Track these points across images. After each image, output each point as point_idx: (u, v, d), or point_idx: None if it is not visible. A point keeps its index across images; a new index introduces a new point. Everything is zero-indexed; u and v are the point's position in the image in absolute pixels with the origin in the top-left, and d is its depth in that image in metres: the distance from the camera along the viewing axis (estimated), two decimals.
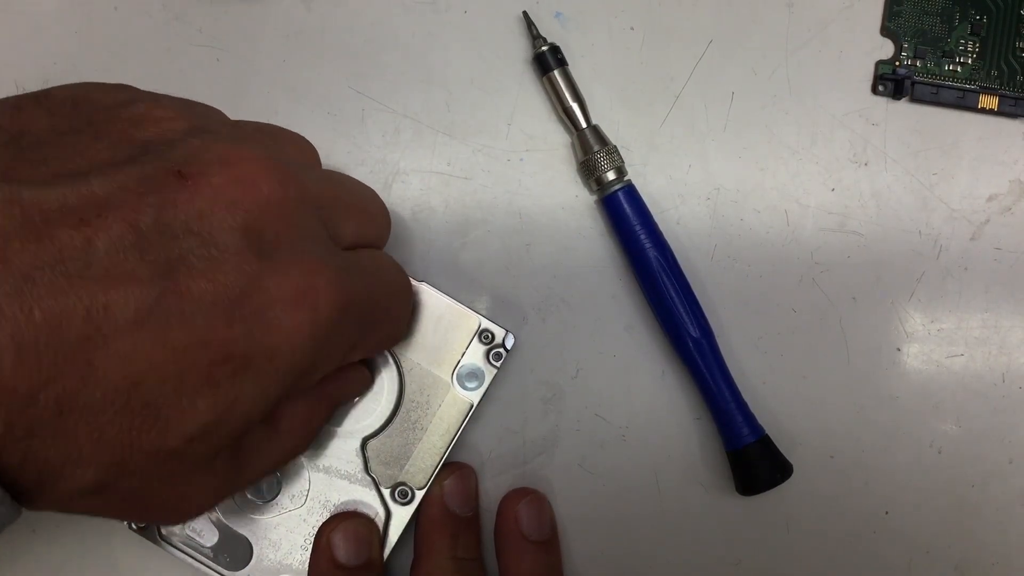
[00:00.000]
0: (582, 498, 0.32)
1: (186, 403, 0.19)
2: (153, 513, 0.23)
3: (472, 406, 0.30)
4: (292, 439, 0.24)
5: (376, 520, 0.29)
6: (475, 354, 0.30)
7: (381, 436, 0.29)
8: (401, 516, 0.29)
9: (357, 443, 0.29)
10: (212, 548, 0.29)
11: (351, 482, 0.29)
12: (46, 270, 0.17)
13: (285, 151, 0.24)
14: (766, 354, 0.33)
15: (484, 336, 0.30)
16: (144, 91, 0.23)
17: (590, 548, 0.33)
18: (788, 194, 0.34)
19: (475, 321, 0.30)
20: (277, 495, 0.29)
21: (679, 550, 0.33)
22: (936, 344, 0.34)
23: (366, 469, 0.29)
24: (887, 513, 0.33)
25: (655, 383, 0.33)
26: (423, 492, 0.29)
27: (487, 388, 0.30)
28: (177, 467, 0.20)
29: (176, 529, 0.29)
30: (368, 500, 0.29)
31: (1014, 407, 0.34)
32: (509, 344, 0.30)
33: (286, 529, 0.29)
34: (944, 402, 0.34)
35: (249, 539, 0.29)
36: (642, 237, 0.31)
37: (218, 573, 0.29)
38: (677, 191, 0.33)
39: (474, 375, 0.30)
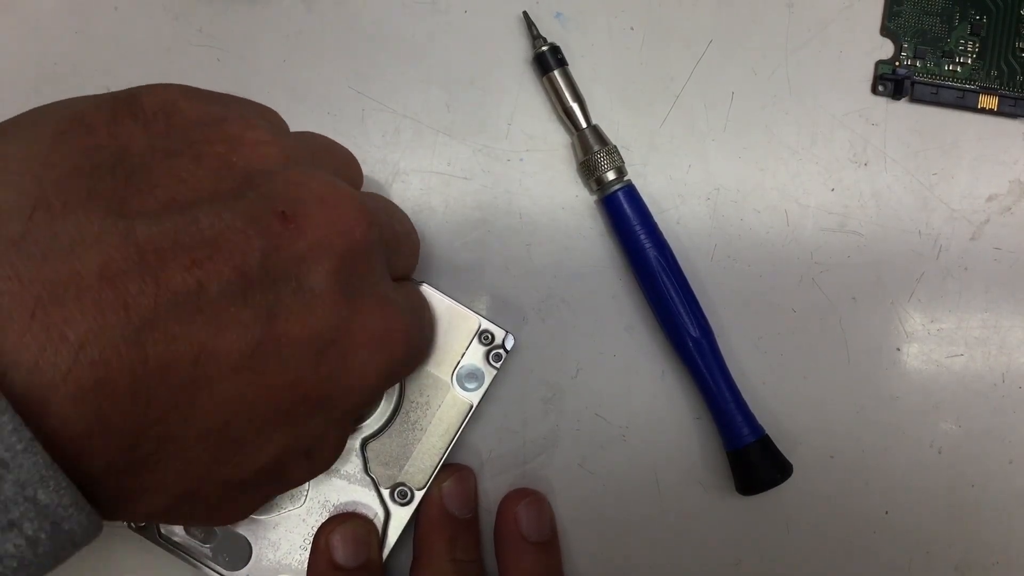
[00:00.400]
0: (582, 498, 0.32)
1: (263, 439, 0.19)
2: (194, 523, 0.26)
3: (472, 407, 0.30)
4: (325, 462, 0.24)
5: (375, 521, 0.29)
6: (475, 355, 0.30)
7: (381, 436, 0.29)
8: (400, 517, 0.29)
9: (357, 443, 0.29)
10: (211, 548, 0.29)
11: (350, 482, 0.29)
12: (161, 315, 0.17)
13: (351, 173, 0.25)
14: (766, 354, 0.33)
15: (484, 337, 0.30)
16: (228, 99, 0.22)
17: (590, 548, 0.32)
18: (788, 194, 0.34)
19: (475, 322, 0.30)
20: None
21: (679, 550, 0.33)
22: (936, 344, 0.34)
23: (365, 469, 0.29)
24: (887, 513, 0.33)
25: (655, 383, 0.33)
26: (422, 493, 0.29)
27: (487, 389, 0.30)
28: (236, 493, 0.21)
29: (176, 529, 0.29)
30: (367, 501, 0.29)
31: (1014, 407, 0.34)
32: (509, 345, 0.30)
33: (285, 529, 0.29)
34: (944, 402, 0.34)
35: (248, 539, 0.29)
36: (642, 237, 0.31)
37: (217, 573, 0.29)
38: (677, 191, 0.33)
39: (474, 376, 0.30)
